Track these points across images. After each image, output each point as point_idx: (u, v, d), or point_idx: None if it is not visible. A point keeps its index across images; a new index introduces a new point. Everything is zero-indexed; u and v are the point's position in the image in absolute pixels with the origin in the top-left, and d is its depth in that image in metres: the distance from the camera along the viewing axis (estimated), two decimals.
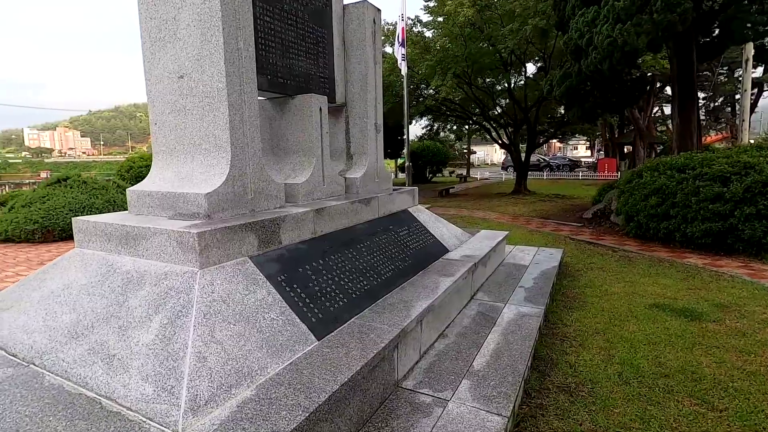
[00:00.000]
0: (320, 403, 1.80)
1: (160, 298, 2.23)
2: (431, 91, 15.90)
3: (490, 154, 60.75)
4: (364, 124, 4.36)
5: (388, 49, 15.76)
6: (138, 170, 14.56)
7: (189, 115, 2.86)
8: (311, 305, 2.60)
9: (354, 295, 2.92)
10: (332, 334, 2.49)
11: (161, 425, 1.67)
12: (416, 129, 24.86)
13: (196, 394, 1.77)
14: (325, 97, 3.70)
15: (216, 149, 2.78)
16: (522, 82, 15.79)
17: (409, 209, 4.77)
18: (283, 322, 2.35)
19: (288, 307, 2.46)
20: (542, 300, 4.06)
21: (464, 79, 14.03)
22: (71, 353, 2.13)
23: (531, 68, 16.56)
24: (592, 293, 4.77)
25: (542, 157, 32.88)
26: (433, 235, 4.58)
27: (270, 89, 3.36)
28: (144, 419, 1.72)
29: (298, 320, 2.43)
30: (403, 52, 10.07)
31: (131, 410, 1.77)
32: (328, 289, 2.82)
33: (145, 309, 2.20)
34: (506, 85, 15.46)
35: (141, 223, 2.56)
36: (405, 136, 10.75)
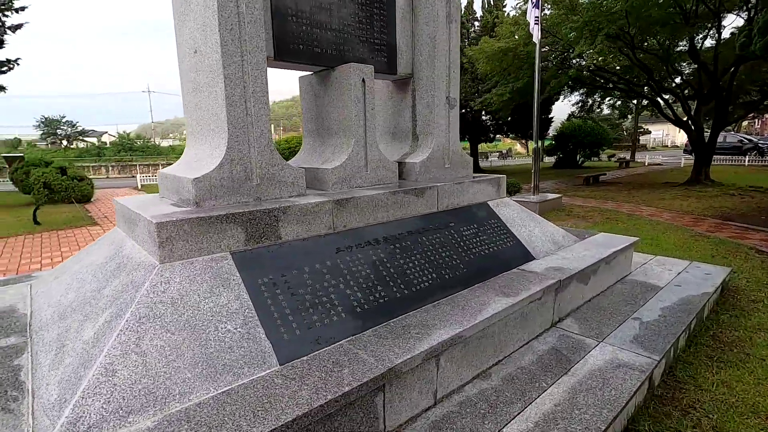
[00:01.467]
0: None
1: (119, 292, 2.07)
2: (580, 59, 13.41)
3: (672, 134, 50.10)
4: (432, 97, 3.62)
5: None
6: (294, 146, 15.99)
7: (201, 92, 2.65)
8: (290, 318, 2.15)
9: (359, 310, 2.36)
10: (301, 359, 2.00)
11: None
12: (565, 106, 21.66)
13: (80, 416, 1.51)
14: (371, 66, 3.11)
15: (218, 129, 2.51)
16: (713, 42, 12.08)
17: (489, 203, 3.87)
18: (240, 336, 1.96)
19: (256, 318, 2.06)
20: (662, 343, 2.81)
21: (624, 41, 11.33)
22: (51, 334, 2.14)
23: (728, 23, 12.53)
24: (764, 342, 3.18)
25: (747, 137, 25.26)
26: (514, 237, 3.62)
27: (297, 60, 2.94)
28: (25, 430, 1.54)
29: (263, 336, 2.01)
30: (537, 15, 8.52)
31: (31, 416, 1.62)
32: (325, 298, 2.32)
33: (107, 301, 2.07)
34: (688, 45, 12.01)
35: (139, 207, 2.47)
36: (534, 113, 9.24)
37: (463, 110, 20.24)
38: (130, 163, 30.80)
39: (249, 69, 2.46)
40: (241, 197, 2.54)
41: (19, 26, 13.49)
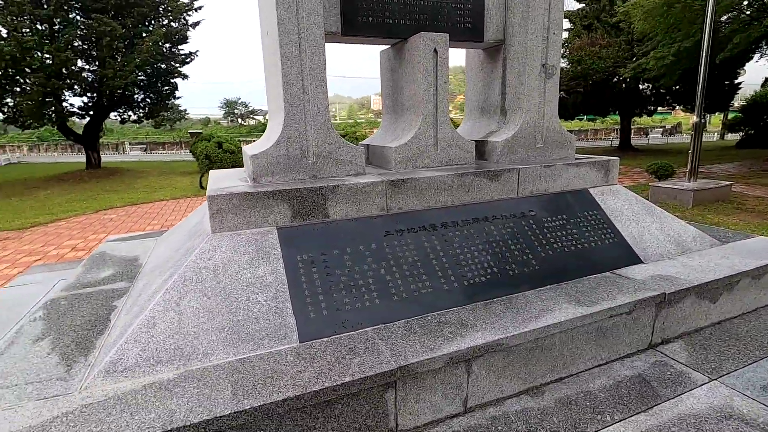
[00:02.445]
0: (188, 423, 1.46)
1: (182, 255, 2.35)
2: None
3: None
4: (523, 66, 3.14)
5: None
6: None
7: (270, 73, 2.77)
8: (320, 297, 2.16)
9: (396, 298, 2.25)
10: (321, 340, 2.00)
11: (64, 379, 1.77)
12: (762, 69, 16.45)
13: (120, 358, 1.77)
14: (444, 35, 2.82)
15: (279, 108, 2.60)
16: None
17: (591, 190, 3.25)
18: (268, 309, 2.05)
19: (287, 293, 2.13)
20: None
21: None
22: (139, 284, 2.57)
23: None
24: None
25: None
26: (618, 233, 2.99)
27: (367, 34, 2.83)
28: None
29: (290, 311, 2.07)
30: None
31: (98, 350, 1.96)
32: (361, 282, 2.27)
33: (173, 262, 2.37)
34: None
35: (216, 180, 2.74)
36: (699, 76, 7.36)
37: (613, 78, 17.46)
38: None
39: (306, 47, 2.46)
40: (297, 174, 2.61)
41: (197, 23, 16.23)
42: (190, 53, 16.81)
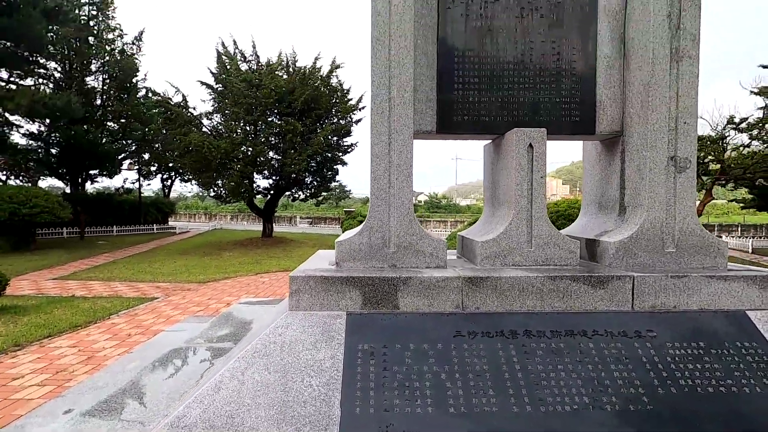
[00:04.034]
0: None
1: (263, 326, 2.58)
2: None
3: None
4: (643, 159, 2.76)
5: None
6: (563, 210, 15.06)
7: (371, 166, 3.05)
8: (371, 393, 2.08)
9: (452, 410, 2.02)
10: None
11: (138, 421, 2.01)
12: None
13: (184, 415, 1.98)
14: (542, 130, 2.71)
15: (370, 199, 2.81)
16: None
17: (749, 313, 2.47)
18: (317, 395, 2.07)
19: (339, 381, 2.12)
20: None
21: None
22: (237, 346, 2.88)
23: None
24: None
25: None
26: None
27: (461, 132, 2.93)
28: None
29: (338, 402, 2.04)
30: None
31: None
32: (417, 384, 2.12)
33: (256, 330, 2.62)
34: None
35: (312, 258, 3.03)
36: None
37: None
38: (426, 218, 36.60)
39: (396, 146, 2.67)
40: (377, 263, 2.70)
41: (359, 120, 19.07)
42: (352, 144, 19.67)
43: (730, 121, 17.72)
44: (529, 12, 2.92)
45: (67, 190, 24.17)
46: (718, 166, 17.68)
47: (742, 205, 21.24)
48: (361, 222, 12.33)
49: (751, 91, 18.37)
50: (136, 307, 7.24)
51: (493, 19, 2.92)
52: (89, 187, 26.72)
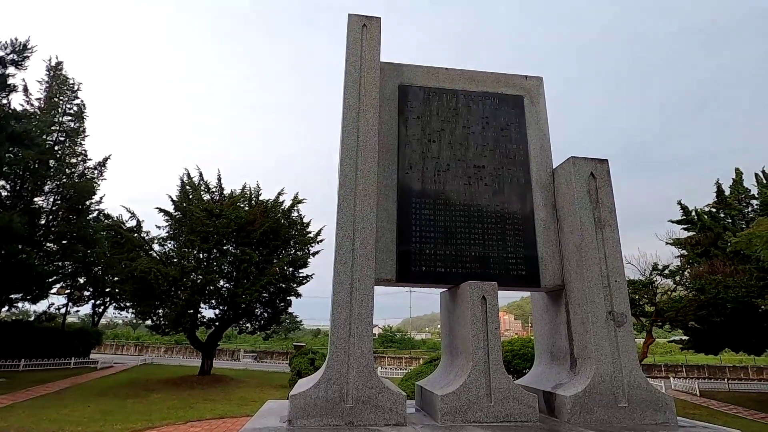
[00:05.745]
0: None
1: None
2: None
3: None
4: (585, 313, 2.99)
5: None
6: (517, 350, 15.04)
7: (331, 314, 3.05)
8: None
9: None
10: None
11: None
12: None
13: None
14: (492, 283, 2.94)
15: (328, 348, 2.75)
16: None
17: None
18: None
19: None
20: None
21: None
22: None
23: None
24: None
25: None
26: None
27: (418, 281, 3.09)
28: None
29: None
30: None
31: None
32: None
33: None
34: None
35: (261, 414, 2.76)
36: None
37: (759, 309, 15.08)
38: (381, 354, 34.86)
39: (357, 295, 2.75)
40: (333, 419, 2.52)
41: (316, 252, 19.40)
42: (307, 276, 19.54)
43: (655, 267, 19.70)
44: (475, 180, 3.41)
45: None
46: (653, 308, 18.96)
47: (680, 346, 22.22)
48: (312, 360, 11.59)
49: (667, 242, 20.96)
50: None
51: (445, 184, 3.36)
52: (4, 311, 23.79)
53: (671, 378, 22.89)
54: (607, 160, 3.36)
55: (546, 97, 3.80)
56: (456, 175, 3.41)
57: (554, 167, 3.56)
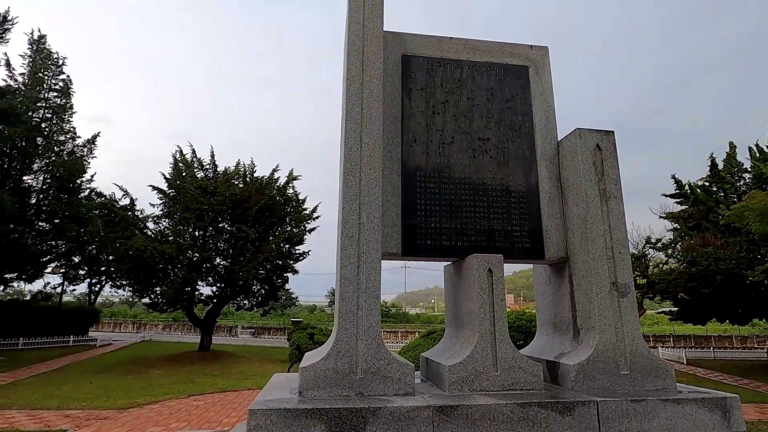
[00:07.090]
0: None
1: None
2: None
3: None
4: (590, 284, 3.03)
5: None
6: (512, 322, 15.29)
7: (337, 289, 3.06)
8: None
9: None
10: None
11: None
12: None
13: None
14: (498, 255, 2.95)
15: (336, 322, 2.77)
16: None
17: None
18: None
19: None
20: None
21: None
22: None
23: None
24: None
25: None
26: None
27: (424, 255, 3.10)
28: None
29: None
30: None
31: None
32: None
33: None
34: None
35: (272, 385, 2.80)
36: None
37: (746, 280, 15.41)
38: None
39: (364, 268, 2.75)
40: (343, 390, 2.56)
41: (312, 229, 19.40)
42: (304, 252, 19.62)
43: (648, 241, 20.00)
44: (480, 153, 3.37)
45: None
46: (645, 281, 19.35)
47: (669, 317, 22.84)
48: (311, 335, 11.69)
49: (660, 216, 21.20)
50: None
51: (450, 157, 3.32)
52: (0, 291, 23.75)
53: (659, 348, 23.59)
54: (613, 132, 3.33)
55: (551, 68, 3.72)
56: (461, 148, 3.37)
57: (559, 139, 3.53)
